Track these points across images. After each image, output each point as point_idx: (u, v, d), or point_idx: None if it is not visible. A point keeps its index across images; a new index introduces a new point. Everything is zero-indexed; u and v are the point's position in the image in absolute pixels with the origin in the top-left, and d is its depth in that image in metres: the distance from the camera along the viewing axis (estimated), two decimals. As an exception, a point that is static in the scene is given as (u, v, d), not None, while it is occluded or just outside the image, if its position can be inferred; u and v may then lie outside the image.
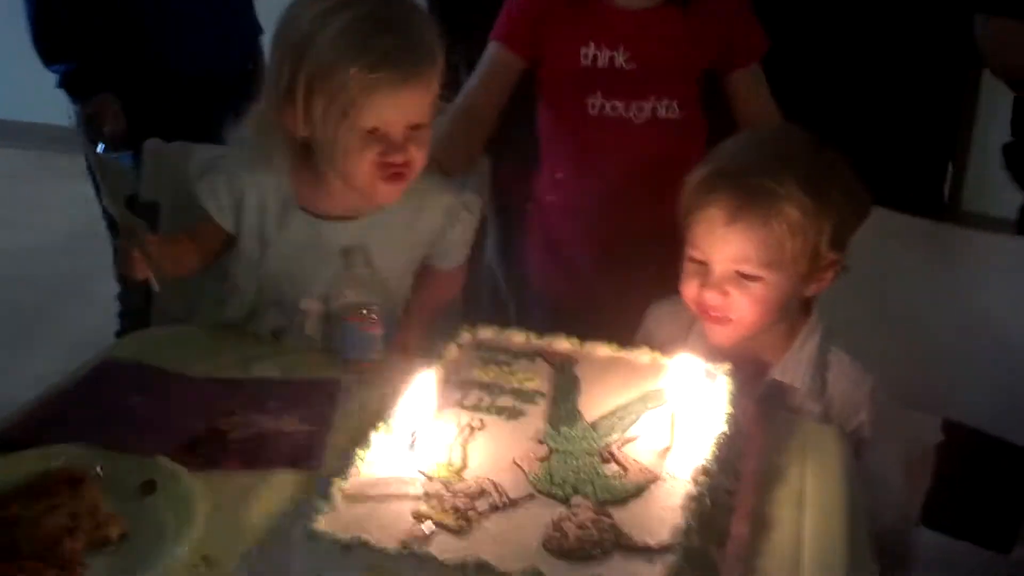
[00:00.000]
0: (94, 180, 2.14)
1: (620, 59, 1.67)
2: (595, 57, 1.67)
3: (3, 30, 2.98)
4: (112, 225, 2.41)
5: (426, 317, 1.48)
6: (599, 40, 1.67)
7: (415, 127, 1.31)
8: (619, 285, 1.64)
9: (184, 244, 1.42)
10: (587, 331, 1.45)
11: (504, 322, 2.10)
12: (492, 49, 1.74)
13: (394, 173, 1.32)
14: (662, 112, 1.68)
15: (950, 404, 1.54)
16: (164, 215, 1.64)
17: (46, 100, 2.50)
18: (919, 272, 1.56)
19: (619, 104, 1.68)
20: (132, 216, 1.34)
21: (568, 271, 1.82)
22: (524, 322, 2.03)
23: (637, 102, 1.67)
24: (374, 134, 1.29)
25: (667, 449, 1.07)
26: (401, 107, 1.29)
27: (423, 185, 1.40)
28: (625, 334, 1.41)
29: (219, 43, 2.41)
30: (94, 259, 3.60)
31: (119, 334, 2.51)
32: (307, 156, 1.35)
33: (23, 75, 2.68)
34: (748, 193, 1.22)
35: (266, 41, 2.53)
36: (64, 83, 2.33)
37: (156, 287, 1.30)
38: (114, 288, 2.62)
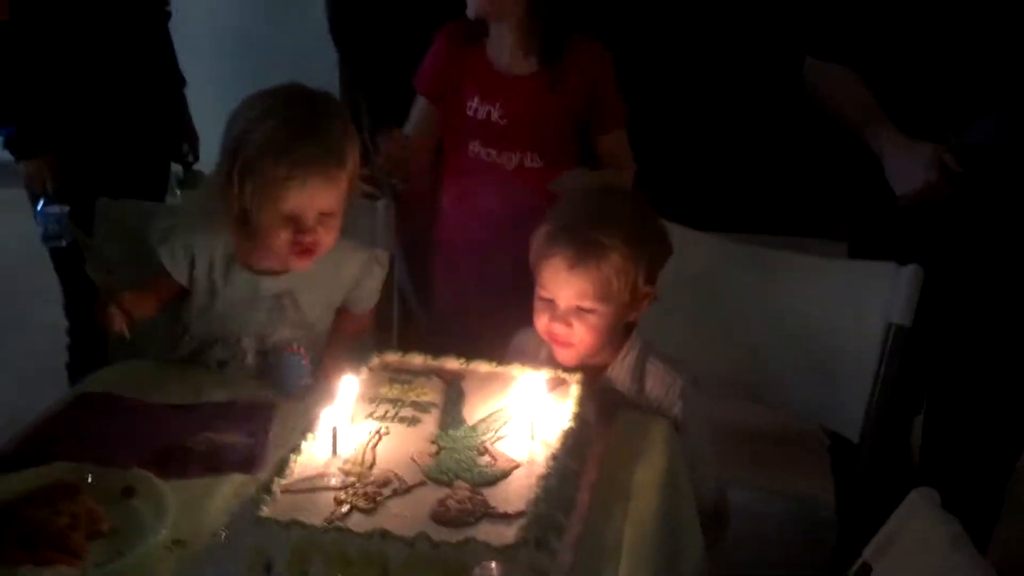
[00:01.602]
0: (45, 231, 2.41)
1: (496, 114, 2.00)
2: (477, 110, 2.01)
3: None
4: (59, 267, 2.67)
5: (344, 349, 1.76)
6: (482, 95, 2.01)
7: (325, 214, 1.62)
8: (502, 306, 1.94)
9: (148, 295, 1.71)
10: (481, 339, 1.77)
11: (416, 336, 2.47)
12: (419, 99, 2.09)
13: (303, 250, 1.63)
14: (528, 162, 2.02)
15: (774, 396, 1.92)
16: (116, 264, 1.93)
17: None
18: (753, 289, 1.92)
19: (493, 151, 2.02)
20: (113, 280, 1.63)
21: (464, 294, 2.16)
22: (433, 335, 2.38)
23: (507, 152, 2.01)
24: (289, 217, 1.60)
25: (529, 442, 1.41)
26: (312, 200, 1.59)
27: (342, 246, 1.72)
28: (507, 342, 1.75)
29: (145, 96, 2.65)
30: (33, 288, 3.80)
31: (69, 365, 2.77)
32: (246, 222, 1.65)
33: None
34: (584, 245, 1.54)
35: (188, 93, 2.82)
36: (7, 145, 2.55)
37: (127, 335, 1.60)
38: (52, 316, 2.86)
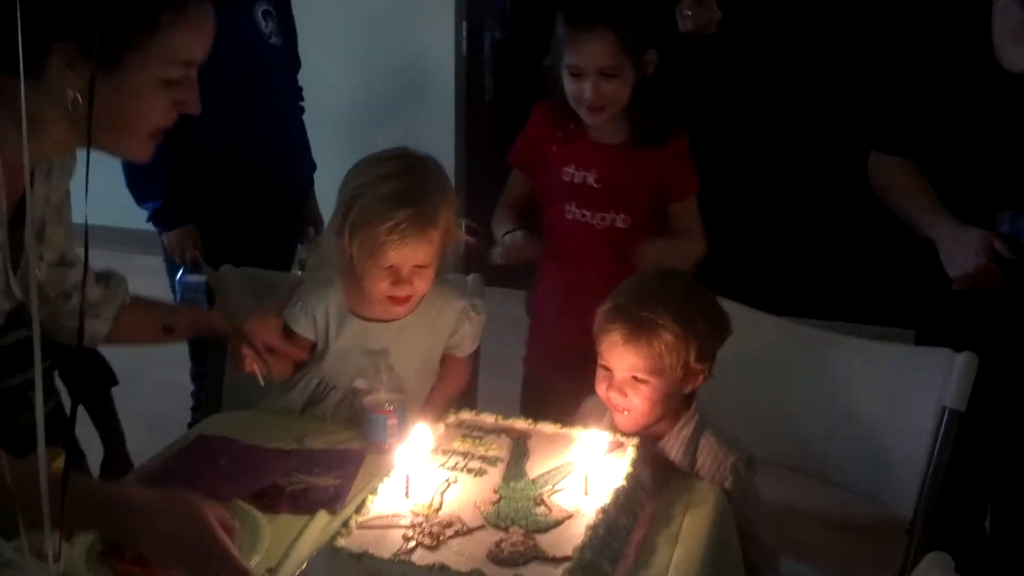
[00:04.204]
0: (182, 297, 2.69)
1: (591, 179, 2.23)
2: (573, 175, 2.25)
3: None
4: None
5: (443, 404, 1.95)
6: (578, 163, 2.25)
7: (420, 266, 1.84)
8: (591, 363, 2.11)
9: (291, 354, 1.95)
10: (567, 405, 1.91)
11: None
12: (515, 170, 2.38)
13: (400, 300, 1.87)
14: (618, 223, 2.24)
15: (828, 471, 2.01)
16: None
17: (125, 208, 2.87)
18: (812, 371, 2.03)
19: (587, 212, 2.25)
20: (243, 330, 1.87)
21: (553, 351, 2.32)
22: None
23: (600, 212, 2.24)
24: (389, 269, 1.83)
25: (583, 497, 1.55)
26: (408, 255, 1.82)
27: (441, 294, 1.95)
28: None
29: (281, 180, 2.91)
30: (158, 350, 4.08)
31: (191, 425, 3.03)
32: (353, 270, 1.87)
33: (105, 186, 3.01)
34: (637, 323, 1.68)
35: (318, 178, 3.06)
36: (152, 218, 2.82)
37: (262, 382, 1.84)
38: (172, 375, 3.13)
